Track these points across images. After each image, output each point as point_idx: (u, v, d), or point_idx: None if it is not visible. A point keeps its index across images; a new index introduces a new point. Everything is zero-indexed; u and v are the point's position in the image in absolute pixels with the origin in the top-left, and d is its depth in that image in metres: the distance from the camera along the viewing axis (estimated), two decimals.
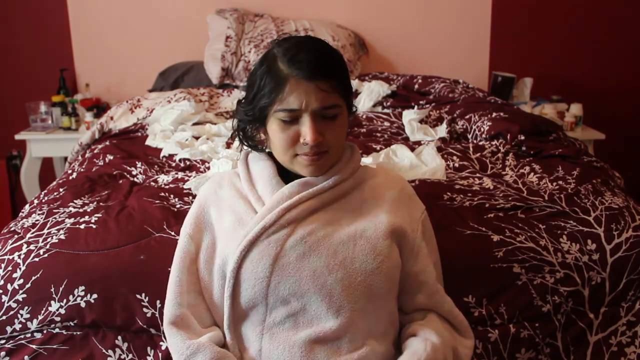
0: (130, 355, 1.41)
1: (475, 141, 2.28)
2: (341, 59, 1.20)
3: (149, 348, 1.40)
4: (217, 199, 1.25)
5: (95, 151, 2.29)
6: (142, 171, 2.00)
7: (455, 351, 1.20)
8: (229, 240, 1.19)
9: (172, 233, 1.49)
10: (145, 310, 1.39)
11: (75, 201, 1.71)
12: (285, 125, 1.15)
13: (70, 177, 1.97)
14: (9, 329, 1.41)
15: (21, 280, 1.41)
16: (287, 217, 1.16)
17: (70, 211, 1.63)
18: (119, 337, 1.41)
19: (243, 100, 1.23)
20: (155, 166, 2.07)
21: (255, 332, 1.15)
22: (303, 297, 1.13)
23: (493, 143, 2.18)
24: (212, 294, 1.20)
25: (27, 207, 1.77)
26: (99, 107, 3.29)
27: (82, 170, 2.05)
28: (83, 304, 1.40)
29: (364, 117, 2.54)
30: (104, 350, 1.40)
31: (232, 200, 1.24)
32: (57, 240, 1.47)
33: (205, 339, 1.15)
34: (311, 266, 1.13)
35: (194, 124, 2.52)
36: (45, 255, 1.44)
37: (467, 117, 2.42)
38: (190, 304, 1.20)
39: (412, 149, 2.07)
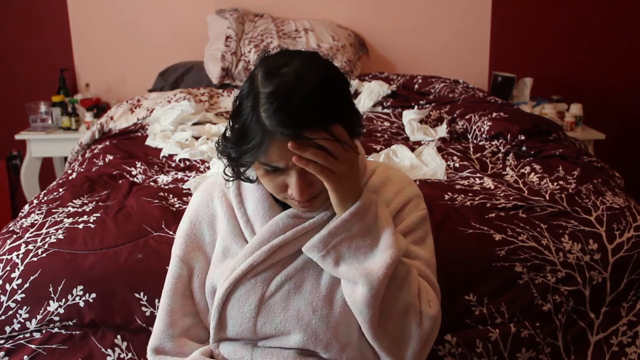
0: (130, 354, 1.40)
1: (475, 141, 2.28)
2: (338, 94, 1.00)
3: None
4: (209, 214, 1.15)
5: (95, 151, 2.29)
6: (141, 171, 2.00)
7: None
8: (216, 268, 1.12)
9: (170, 232, 1.48)
10: (144, 309, 1.39)
11: (74, 201, 1.71)
12: (272, 175, 1.02)
13: (70, 177, 1.97)
14: (7, 328, 1.41)
15: (20, 280, 1.40)
16: (278, 256, 1.08)
17: (69, 211, 1.62)
18: (118, 336, 1.41)
19: (228, 133, 1.05)
20: (155, 166, 2.07)
21: (245, 349, 1.11)
22: (290, 335, 1.08)
23: (493, 143, 2.18)
24: (207, 317, 1.15)
25: (26, 207, 1.76)
26: (99, 107, 3.28)
27: (82, 170, 2.05)
28: (82, 304, 1.39)
29: (364, 117, 2.54)
30: (103, 350, 1.40)
31: (221, 218, 1.14)
32: (55, 240, 1.47)
33: (196, 354, 1.11)
34: (295, 305, 1.07)
35: (194, 124, 2.51)
36: (44, 255, 1.43)
37: (467, 117, 2.41)
38: (185, 327, 1.14)
39: (412, 149, 2.06)
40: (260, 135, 0.97)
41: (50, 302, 1.39)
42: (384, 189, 1.15)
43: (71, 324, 1.41)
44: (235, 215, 1.13)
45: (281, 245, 1.07)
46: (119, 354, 1.40)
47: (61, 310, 1.39)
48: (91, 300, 1.39)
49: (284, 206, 1.11)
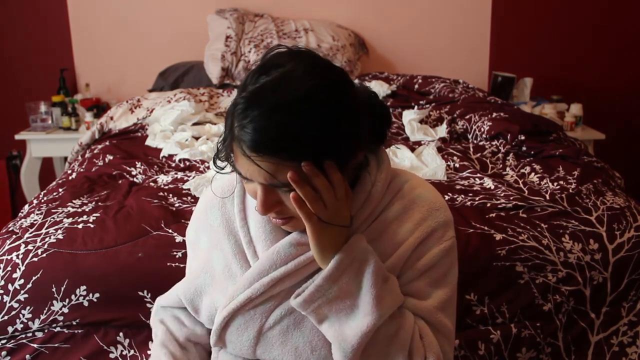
0: (132, 351, 1.40)
1: (475, 141, 2.28)
2: (321, 119, 0.86)
3: (150, 342, 1.40)
4: (206, 224, 1.09)
5: (95, 151, 2.29)
6: (141, 171, 2.00)
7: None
8: (218, 285, 1.06)
9: (170, 231, 1.48)
10: (148, 305, 1.39)
11: (74, 201, 1.71)
12: (245, 180, 0.94)
13: (70, 177, 1.97)
14: (10, 329, 1.40)
15: (22, 281, 1.40)
16: (278, 288, 0.99)
17: (69, 211, 1.62)
18: (121, 334, 1.41)
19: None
20: (155, 166, 2.07)
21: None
22: None
23: (493, 143, 2.18)
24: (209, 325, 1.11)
25: (26, 207, 1.76)
26: (99, 107, 3.28)
27: (81, 170, 2.05)
28: (86, 303, 1.39)
29: None
30: (105, 347, 1.40)
31: (219, 231, 1.06)
32: (54, 240, 1.47)
33: (159, 342, 1.12)
34: (294, 342, 1.01)
35: (194, 124, 2.52)
36: (44, 255, 1.43)
37: (467, 117, 2.42)
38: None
39: (412, 150, 2.07)
40: (229, 139, 0.90)
41: (54, 302, 1.39)
42: (405, 216, 1.02)
43: (74, 323, 1.41)
44: (237, 232, 1.05)
45: (282, 277, 0.98)
46: (122, 350, 1.40)
47: (65, 310, 1.39)
48: (95, 300, 1.39)
49: (287, 231, 1.02)
